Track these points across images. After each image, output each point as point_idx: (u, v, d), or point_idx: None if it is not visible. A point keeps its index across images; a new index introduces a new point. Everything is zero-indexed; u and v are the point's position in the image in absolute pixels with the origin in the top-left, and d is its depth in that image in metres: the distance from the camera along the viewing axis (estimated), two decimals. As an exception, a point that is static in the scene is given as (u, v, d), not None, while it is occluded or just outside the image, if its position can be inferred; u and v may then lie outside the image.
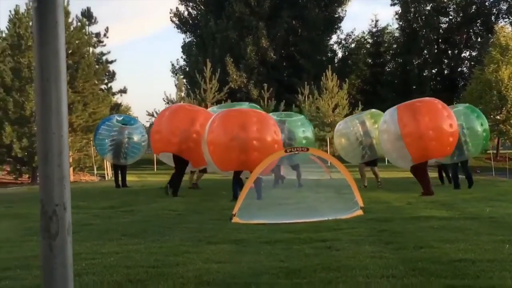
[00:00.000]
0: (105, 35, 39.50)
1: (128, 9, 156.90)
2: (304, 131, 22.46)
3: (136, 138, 23.47)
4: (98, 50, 40.26)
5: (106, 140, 23.06)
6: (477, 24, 71.01)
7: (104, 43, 40.01)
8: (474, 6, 70.24)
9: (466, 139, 19.59)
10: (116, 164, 23.77)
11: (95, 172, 35.90)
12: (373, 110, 23.15)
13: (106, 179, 33.84)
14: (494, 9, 70.66)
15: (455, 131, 18.01)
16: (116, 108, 43.92)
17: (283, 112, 29.53)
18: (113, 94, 42.09)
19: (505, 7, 70.15)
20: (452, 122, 17.90)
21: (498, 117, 54.15)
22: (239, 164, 16.53)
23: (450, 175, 21.21)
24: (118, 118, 24.15)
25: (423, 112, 17.84)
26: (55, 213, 2.57)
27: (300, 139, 21.74)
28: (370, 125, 21.59)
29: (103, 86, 40.67)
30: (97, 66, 37.49)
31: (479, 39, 70.07)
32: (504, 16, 70.22)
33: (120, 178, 23.49)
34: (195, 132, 18.55)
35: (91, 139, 30.84)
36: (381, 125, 19.07)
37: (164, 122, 19.26)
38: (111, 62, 41.33)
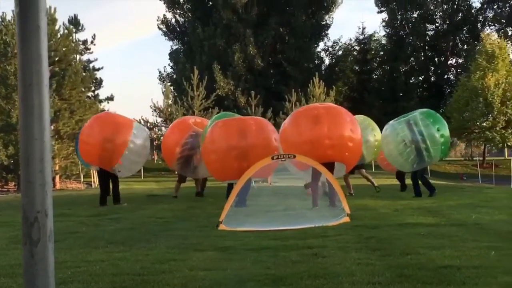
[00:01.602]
0: (92, 42, 39.45)
1: (115, 16, 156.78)
2: None
3: None
4: (85, 57, 40.23)
5: None
6: (464, 32, 71.43)
7: (91, 51, 39.99)
8: (460, 14, 70.65)
9: (427, 146, 19.40)
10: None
11: (82, 179, 35.78)
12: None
13: (93, 186, 33.71)
14: (481, 17, 71.13)
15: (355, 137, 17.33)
16: (103, 115, 43.69)
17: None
18: (100, 101, 41.96)
19: (491, 15, 70.64)
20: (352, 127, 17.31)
21: (484, 124, 54.44)
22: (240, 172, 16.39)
23: (421, 182, 20.92)
24: None
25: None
26: (37, 220, 2.54)
27: None
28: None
29: (90, 94, 40.58)
30: (84, 74, 37.35)
31: (465, 47, 70.51)
32: (490, 23, 70.70)
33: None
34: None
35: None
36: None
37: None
38: (98, 69, 41.30)
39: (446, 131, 20.13)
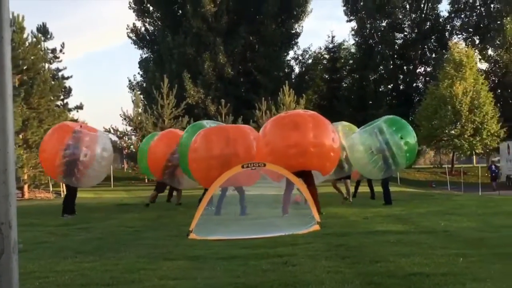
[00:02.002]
0: (61, 50, 39.23)
1: (85, 24, 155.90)
2: None
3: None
4: (54, 66, 39.94)
5: None
6: (432, 40, 72.04)
7: (60, 59, 39.72)
8: (428, 23, 71.27)
9: (392, 154, 19.48)
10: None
11: (51, 189, 35.45)
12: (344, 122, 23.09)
13: (62, 196, 33.41)
14: (448, 26, 71.83)
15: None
16: (73, 124, 43.43)
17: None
18: (69, 110, 41.65)
19: (458, 24, 71.37)
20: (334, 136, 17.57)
21: (452, 131, 54.92)
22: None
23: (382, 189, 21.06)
24: None
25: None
26: (0, 231, 2.51)
27: None
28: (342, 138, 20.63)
29: (59, 102, 40.24)
30: (53, 82, 37.04)
31: (433, 55, 71.12)
32: (457, 32, 71.42)
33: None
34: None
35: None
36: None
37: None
38: (68, 78, 41.03)
39: (411, 138, 20.22)
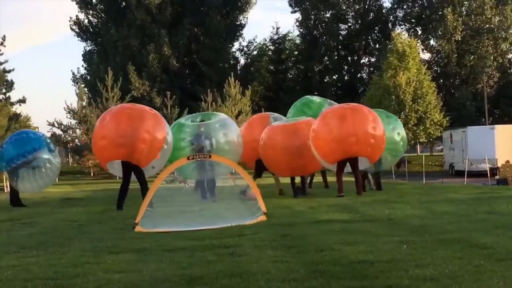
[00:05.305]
0: (2, 43, 38.50)
1: (26, 17, 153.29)
2: (225, 134, 20.11)
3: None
4: (-5, 59, 39.20)
5: None
6: (375, 31, 72.80)
7: (1, 52, 39.01)
8: (372, 14, 71.99)
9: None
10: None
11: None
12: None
13: (6, 191, 32.84)
14: (391, 17, 72.65)
15: (379, 134, 18.68)
16: (15, 118, 42.81)
17: (200, 113, 25.19)
18: (12, 104, 40.94)
19: (401, 15, 72.20)
20: (375, 125, 18.48)
21: (397, 121, 55.49)
22: None
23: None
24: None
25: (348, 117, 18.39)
26: None
27: (221, 145, 19.51)
28: None
29: (0, 96, 39.56)
30: (-6, 76, 36.42)
31: (377, 46, 71.88)
32: (400, 23, 72.25)
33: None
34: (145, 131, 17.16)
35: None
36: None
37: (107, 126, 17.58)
38: (9, 71, 40.29)
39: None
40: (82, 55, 68.48)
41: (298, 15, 72.81)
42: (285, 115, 24.49)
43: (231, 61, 67.92)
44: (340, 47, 73.03)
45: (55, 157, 20.84)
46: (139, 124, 17.06)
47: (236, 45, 70.76)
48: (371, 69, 71.35)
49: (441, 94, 59.88)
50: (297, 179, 20.77)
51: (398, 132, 21.74)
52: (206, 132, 19.61)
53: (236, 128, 21.24)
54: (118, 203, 17.17)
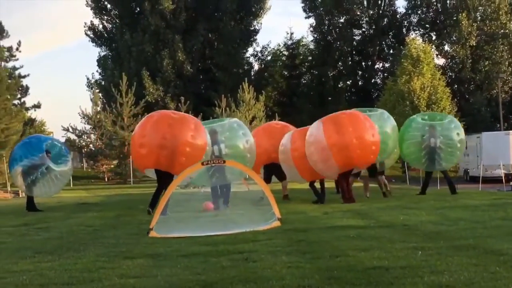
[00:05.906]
0: (17, 49, 38.76)
1: (42, 22, 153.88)
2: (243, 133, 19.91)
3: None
4: (10, 64, 39.47)
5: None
6: (389, 36, 72.53)
7: (16, 57, 39.26)
8: (386, 19, 71.76)
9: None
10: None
11: (9, 189, 34.95)
12: None
13: (20, 196, 32.98)
14: (405, 22, 72.35)
15: (377, 141, 18.63)
16: (30, 123, 43.07)
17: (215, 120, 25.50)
18: (27, 109, 41.22)
19: (415, 20, 71.90)
20: (373, 132, 18.56)
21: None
22: None
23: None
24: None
25: (346, 124, 18.40)
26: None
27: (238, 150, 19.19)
28: None
29: (16, 101, 39.81)
30: (9, 81, 36.56)
31: (391, 51, 71.61)
32: (415, 28, 71.91)
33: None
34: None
35: (4, 155, 29.99)
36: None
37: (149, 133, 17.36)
38: (24, 76, 40.60)
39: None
40: (97, 60, 68.78)
41: (312, 20, 72.72)
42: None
43: (245, 67, 68.01)
44: (354, 52, 72.83)
45: (67, 162, 20.85)
46: (180, 134, 16.92)
47: (250, 50, 70.96)
48: (385, 74, 71.05)
49: (455, 100, 59.50)
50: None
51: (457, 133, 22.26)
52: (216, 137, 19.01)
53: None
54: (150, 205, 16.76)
